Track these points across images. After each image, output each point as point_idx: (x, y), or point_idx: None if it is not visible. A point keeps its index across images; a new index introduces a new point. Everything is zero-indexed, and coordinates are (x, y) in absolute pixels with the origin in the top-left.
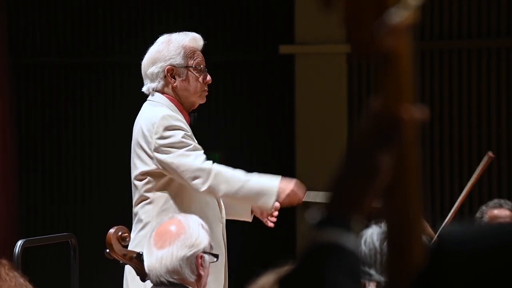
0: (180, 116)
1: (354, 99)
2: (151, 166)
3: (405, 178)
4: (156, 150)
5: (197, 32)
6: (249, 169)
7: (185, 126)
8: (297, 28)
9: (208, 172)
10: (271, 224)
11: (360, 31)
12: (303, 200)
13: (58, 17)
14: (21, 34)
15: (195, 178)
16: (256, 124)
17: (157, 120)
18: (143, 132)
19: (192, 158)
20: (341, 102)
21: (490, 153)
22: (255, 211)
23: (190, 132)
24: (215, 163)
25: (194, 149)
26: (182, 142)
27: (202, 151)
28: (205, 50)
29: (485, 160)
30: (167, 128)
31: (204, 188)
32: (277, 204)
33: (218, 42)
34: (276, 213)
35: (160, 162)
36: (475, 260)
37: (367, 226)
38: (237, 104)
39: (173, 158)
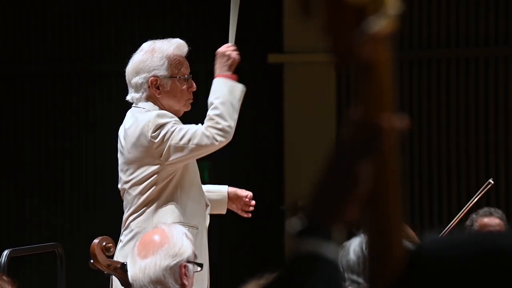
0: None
1: (343, 108)
2: (140, 176)
3: (385, 186)
4: (156, 148)
5: (185, 41)
6: (238, 178)
7: (176, 119)
8: (286, 37)
9: (205, 131)
10: (247, 215)
11: (339, 40)
12: (232, 44)
13: (46, 25)
14: (9, 42)
15: (201, 140)
16: (244, 133)
17: (151, 119)
18: (134, 139)
19: (187, 131)
20: (330, 111)
21: (491, 180)
22: (230, 205)
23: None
24: (200, 125)
25: (183, 127)
26: (172, 128)
27: (190, 124)
28: (193, 59)
29: (486, 185)
30: (159, 126)
31: (217, 141)
32: (250, 193)
33: (207, 50)
34: (253, 203)
35: (164, 156)
36: (454, 267)
37: (349, 235)
38: None
39: (171, 142)
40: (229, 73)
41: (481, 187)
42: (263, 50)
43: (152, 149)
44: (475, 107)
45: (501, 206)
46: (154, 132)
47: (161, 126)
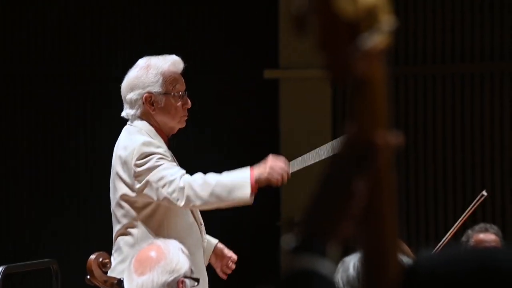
0: (158, 141)
1: (339, 124)
2: (131, 195)
3: (380, 203)
4: (135, 176)
5: (181, 56)
6: None
7: (163, 149)
8: (281, 52)
9: (182, 187)
10: (224, 276)
11: (333, 56)
12: (289, 172)
13: (44, 29)
14: (7, 44)
15: (172, 193)
16: (240, 148)
17: (136, 146)
18: (122, 161)
19: (167, 175)
20: (326, 127)
21: (484, 193)
22: (211, 259)
23: (169, 155)
24: (187, 176)
25: (168, 167)
26: (157, 163)
27: (177, 167)
28: (189, 75)
29: (480, 197)
30: (144, 155)
31: (182, 203)
32: (235, 257)
33: (203, 66)
34: (233, 266)
35: (139, 187)
36: (450, 284)
37: (346, 251)
38: (220, 128)
39: (150, 178)
40: (258, 180)
41: (475, 206)
42: (259, 66)
43: (132, 176)
44: (471, 122)
45: (496, 221)
46: (137, 160)
47: (146, 156)
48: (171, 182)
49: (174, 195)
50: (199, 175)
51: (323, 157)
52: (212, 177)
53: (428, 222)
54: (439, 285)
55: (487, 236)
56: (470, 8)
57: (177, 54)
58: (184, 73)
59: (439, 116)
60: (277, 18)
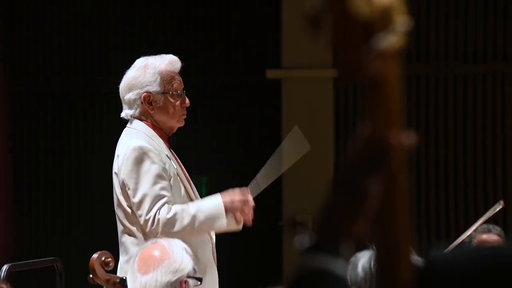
0: (157, 142)
1: (341, 124)
2: (120, 199)
3: (393, 202)
4: (124, 183)
5: (184, 56)
6: None
7: (156, 157)
8: (284, 53)
9: (157, 223)
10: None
11: (347, 56)
12: (252, 197)
13: (52, 43)
14: (11, 61)
15: (148, 227)
16: (242, 149)
17: (128, 152)
18: (118, 165)
19: (150, 209)
20: (328, 127)
21: (501, 203)
22: None
23: (161, 164)
24: (166, 210)
25: (154, 199)
26: (142, 180)
27: (162, 198)
28: (192, 75)
29: (496, 207)
30: (136, 162)
31: (158, 235)
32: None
33: (205, 66)
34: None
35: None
36: (463, 283)
37: (357, 251)
38: (223, 128)
39: (132, 199)
40: (229, 209)
41: (490, 204)
42: (261, 66)
43: (121, 177)
44: (483, 122)
45: (509, 226)
46: (126, 167)
47: (135, 163)
48: (149, 210)
49: (148, 217)
50: (176, 208)
51: (278, 171)
52: (186, 217)
53: (439, 222)
54: (454, 284)
55: (490, 236)
56: (484, 8)
57: (179, 54)
58: (186, 73)
59: (451, 116)
60: (280, 18)
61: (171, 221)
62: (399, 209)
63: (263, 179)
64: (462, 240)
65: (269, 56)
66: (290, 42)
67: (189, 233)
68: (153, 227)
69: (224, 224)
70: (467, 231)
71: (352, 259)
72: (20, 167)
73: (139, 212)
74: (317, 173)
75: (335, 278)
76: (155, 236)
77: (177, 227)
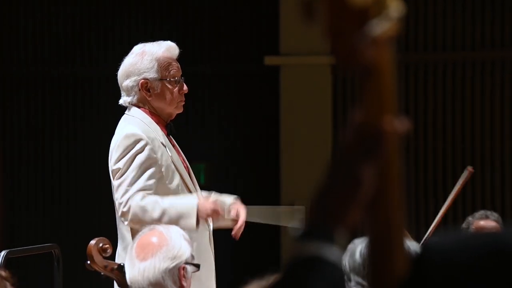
0: (153, 129)
1: (339, 110)
2: (114, 186)
3: (387, 189)
4: (111, 169)
5: (182, 44)
6: (233, 180)
7: (146, 145)
8: (282, 39)
9: (129, 208)
10: (236, 236)
11: (341, 43)
12: (247, 219)
13: (42, 29)
14: (3, 45)
15: (120, 210)
16: (241, 135)
17: (119, 138)
18: (111, 151)
19: (125, 193)
20: (326, 113)
21: (470, 168)
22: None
23: (151, 153)
24: (140, 196)
25: (132, 184)
26: (125, 172)
27: (140, 185)
28: (190, 62)
29: (465, 174)
30: (123, 148)
31: (126, 222)
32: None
33: (204, 53)
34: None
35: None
36: (459, 270)
37: (352, 237)
38: (222, 115)
39: (116, 186)
40: (201, 214)
41: (466, 181)
42: (260, 53)
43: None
44: (481, 110)
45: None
46: (115, 153)
47: (123, 150)
48: (123, 194)
49: (121, 213)
50: (145, 201)
51: (278, 222)
52: (157, 209)
53: (427, 212)
54: (451, 272)
55: (487, 223)
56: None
57: (177, 41)
58: (185, 60)
59: (449, 103)
60: (278, 4)
61: (142, 209)
62: (393, 195)
63: (255, 214)
64: (443, 217)
65: (268, 43)
66: (288, 29)
67: (154, 222)
68: (124, 210)
69: (193, 225)
70: (444, 204)
71: (350, 245)
72: (16, 153)
73: (116, 195)
74: (315, 160)
75: (328, 264)
76: (124, 221)
77: (146, 216)
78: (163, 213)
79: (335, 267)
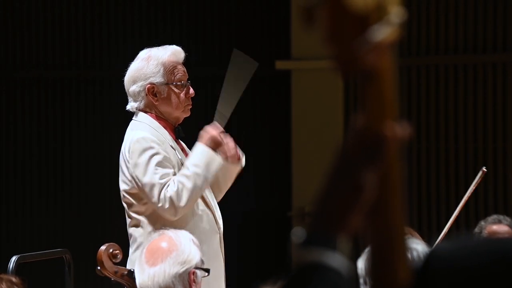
0: (162, 134)
1: (350, 115)
2: (131, 190)
3: (389, 195)
4: (131, 176)
5: (193, 47)
6: (245, 183)
7: (159, 146)
8: (293, 43)
9: (169, 202)
10: None
11: (342, 48)
12: (221, 127)
13: (46, 31)
14: (4, 48)
15: (162, 209)
16: (252, 139)
17: (131, 144)
18: (123, 156)
19: (158, 193)
20: (337, 118)
21: (484, 169)
22: None
23: (164, 153)
24: (171, 185)
25: (157, 183)
26: (147, 164)
27: (164, 180)
28: (201, 65)
29: (479, 175)
30: (137, 152)
31: (178, 215)
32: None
33: (215, 57)
34: None
35: (134, 185)
36: (464, 278)
37: (354, 244)
38: (233, 120)
39: (140, 178)
40: (214, 147)
41: (477, 182)
42: (271, 57)
43: (128, 173)
44: (483, 113)
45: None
46: (130, 157)
47: (138, 153)
48: (159, 195)
49: (166, 205)
50: (174, 179)
51: (238, 87)
52: (186, 177)
53: (439, 214)
54: (456, 279)
55: (500, 227)
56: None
57: (188, 45)
58: (193, 64)
59: (451, 106)
60: (289, 9)
61: (180, 192)
62: (395, 201)
63: (225, 107)
64: (455, 219)
65: (279, 47)
66: (299, 33)
67: (199, 190)
68: (169, 206)
69: (220, 161)
70: (457, 207)
71: (367, 249)
72: (27, 156)
73: (153, 201)
74: (327, 164)
75: (331, 271)
76: (176, 215)
77: (185, 193)
78: (194, 180)
79: (338, 273)
